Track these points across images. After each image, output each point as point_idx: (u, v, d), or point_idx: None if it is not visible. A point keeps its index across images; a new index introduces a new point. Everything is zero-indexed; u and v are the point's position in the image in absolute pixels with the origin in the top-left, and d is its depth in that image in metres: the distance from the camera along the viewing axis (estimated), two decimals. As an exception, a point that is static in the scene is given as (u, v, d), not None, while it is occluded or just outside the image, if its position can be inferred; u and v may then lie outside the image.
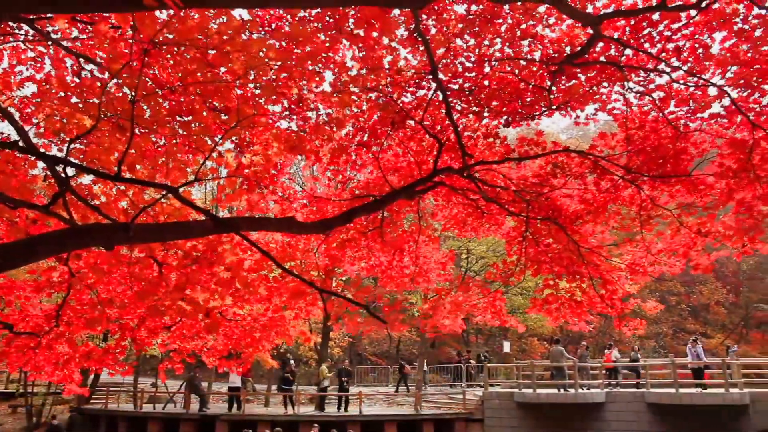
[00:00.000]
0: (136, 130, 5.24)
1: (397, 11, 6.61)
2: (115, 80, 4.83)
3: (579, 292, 8.81)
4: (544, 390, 20.78)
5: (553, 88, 7.49)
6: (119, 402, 26.08)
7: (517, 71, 7.55)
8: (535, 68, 7.54)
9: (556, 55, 7.29)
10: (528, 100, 7.68)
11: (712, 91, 7.13)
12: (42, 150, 6.33)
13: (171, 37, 4.58)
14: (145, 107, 5.29)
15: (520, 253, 9.00)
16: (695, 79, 7.08)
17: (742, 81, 6.75)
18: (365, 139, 8.23)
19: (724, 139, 7.55)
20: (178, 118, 5.51)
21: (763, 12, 6.15)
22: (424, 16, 6.93)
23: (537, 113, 7.89)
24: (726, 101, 7.04)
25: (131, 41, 4.64)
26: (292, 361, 24.79)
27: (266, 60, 5.18)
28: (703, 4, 6.17)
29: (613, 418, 20.06)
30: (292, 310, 8.75)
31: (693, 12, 6.39)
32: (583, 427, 20.16)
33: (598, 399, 20.01)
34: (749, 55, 6.53)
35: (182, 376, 26.42)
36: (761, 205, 7.43)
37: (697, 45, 6.84)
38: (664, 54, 7.02)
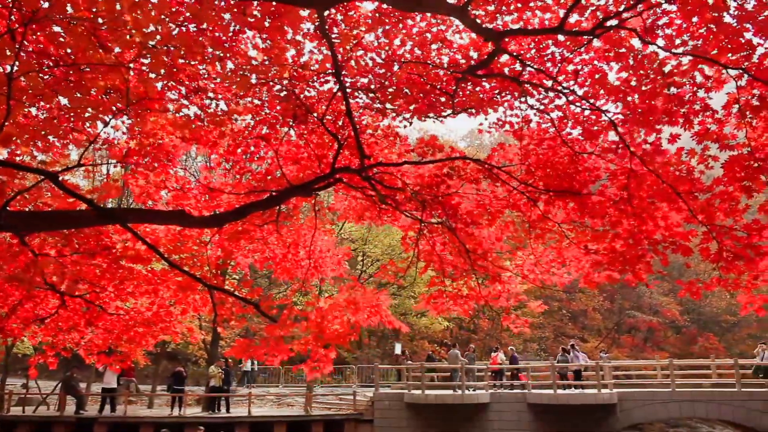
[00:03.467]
0: (21, 101, 4.83)
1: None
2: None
3: (466, 288, 9.08)
4: (433, 391, 21.29)
5: (459, 93, 7.57)
6: (-19, 405, 23.83)
7: (425, 73, 7.59)
8: (441, 72, 7.62)
9: (464, 61, 7.40)
10: (434, 102, 7.74)
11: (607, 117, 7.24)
12: None
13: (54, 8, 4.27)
14: (24, 81, 4.89)
15: (416, 248, 9.15)
16: (590, 103, 7.21)
17: (629, 114, 6.88)
18: (265, 131, 8.04)
19: (616, 166, 7.65)
20: (60, 96, 5.13)
21: (655, 49, 6.35)
22: (333, 11, 6.87)
23: (442, 115, 7.95)
24: (621, 129, 7.14)
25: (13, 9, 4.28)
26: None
27: (163, 42, 4.95)
28: (598, 33, 6.37)
29: (496, 417, 20.90)
30: (180, 305, 8.38)
31: (592, 37, 6.54)
32: (468, 426, 20.85)
33: (483, 399, 20.77)
34: (643, 89, 6.63)
35: (58, 376, 24.68)
36: (644, 238, 7.56)
37: (595, 71, 7.01)
38: (563, 76, 7.20)
